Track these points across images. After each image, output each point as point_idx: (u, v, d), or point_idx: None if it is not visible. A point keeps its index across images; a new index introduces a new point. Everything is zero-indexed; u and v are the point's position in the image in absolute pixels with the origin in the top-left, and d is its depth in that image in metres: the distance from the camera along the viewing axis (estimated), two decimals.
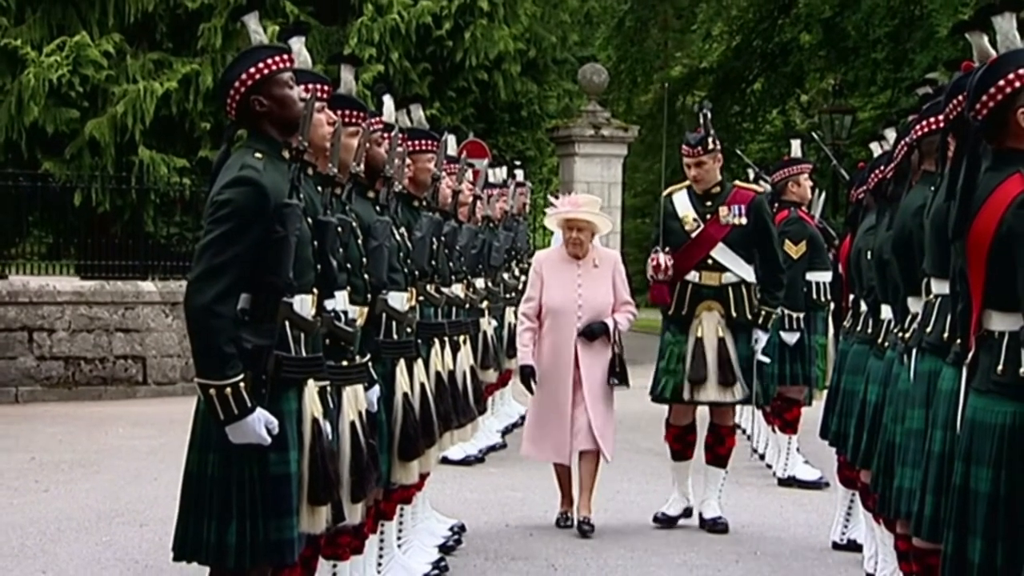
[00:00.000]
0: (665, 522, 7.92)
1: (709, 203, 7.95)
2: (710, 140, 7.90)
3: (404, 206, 6.41)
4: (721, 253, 7.86)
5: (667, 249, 7.82)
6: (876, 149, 7.00)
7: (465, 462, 9.94)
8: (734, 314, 7.85)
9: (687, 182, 8.07)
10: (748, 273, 7.92)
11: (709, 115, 8.03)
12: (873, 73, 22.54)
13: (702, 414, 8.12)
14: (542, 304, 7.88)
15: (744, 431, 10.59)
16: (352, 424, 4.95)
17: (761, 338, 7.97)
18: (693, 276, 7.86)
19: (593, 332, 7.79)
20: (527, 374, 7.88)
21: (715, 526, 7.82)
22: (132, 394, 14.62)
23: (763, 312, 7.97)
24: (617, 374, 7.82)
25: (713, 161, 7.95)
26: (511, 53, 20.69)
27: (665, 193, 8.22)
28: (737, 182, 8.34)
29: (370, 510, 5.70)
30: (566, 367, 7.79)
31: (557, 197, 8.28)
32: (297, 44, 5.03)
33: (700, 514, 7.93)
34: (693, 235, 7.89)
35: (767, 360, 8.24)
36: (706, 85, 26.14)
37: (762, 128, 28.91)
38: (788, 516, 8.47)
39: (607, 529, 7.67)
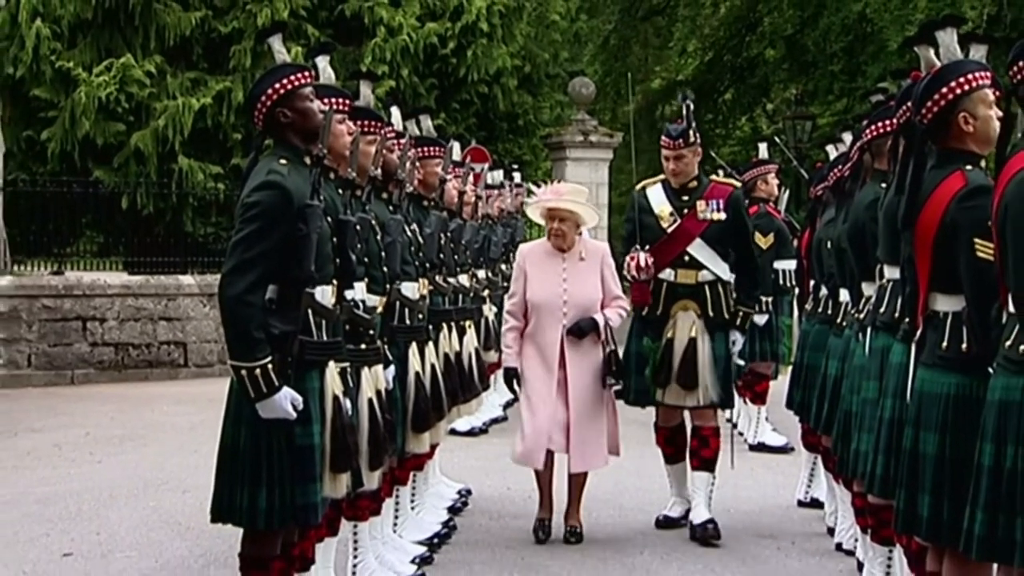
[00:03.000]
0: (667, 524, 6.92)
1: (686, 197, 6.84)
2: (691, 133, 6.81)
3: (415, 205, 6.40)
4: (698, 249, 6.77)
5: (647, 247, 6.73)
6: (833, 151, 7.01)
7: (471, 433, 9.95)
8: (711, 313, 6.75)
9: (660, 176, 6.98)
10: (724, 271, 6.84)
11: (692, 107, 6.94)
12: (830, 83, 22.50)
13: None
14: (526, 300, 6.65)
15: None
16: (370, 401, 4.95)
17: (738, 340, 6.87)
18: (668, 274, 6.76)
19: (581, 330, 6.55)
20: (510, 376, 6.69)
21: (706, 531, 6.70)
22: (174, 376, 14.62)
23: (741, 312, 6.86)
24: (614, 373, 6.64)
25: (693, 155, 6.84)
26: (508, 69, 20.71)
27: (638, 187, 7.08)
28: (714, 177, 7.16)
29: (386, 476, 5.70)
30: (551, 367, 6.55)
31: (539, 187, 7.13)
32: (322, 62, 5.03)
33: (690, 520, 6.83)
34: (669, 230, 6.77)
35: (742, 363, 7.42)
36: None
37: (732, 133, 28.86)
38: (758, 477, 8.47)
39: (597, 491, 7.63)
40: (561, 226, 6.62)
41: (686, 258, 6.76)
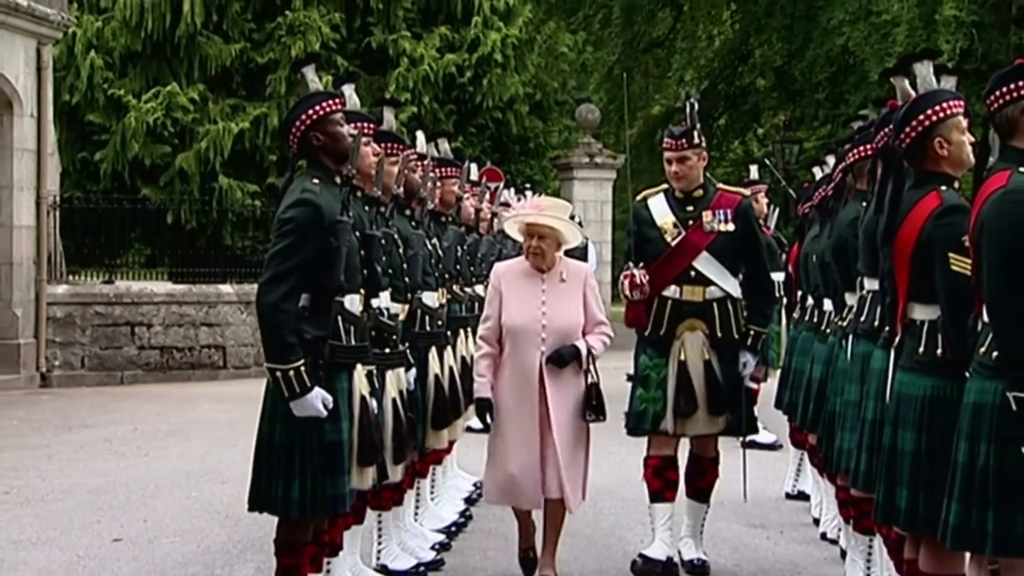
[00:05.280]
0: (644, 563, 5.74)
1: (691, 208, 5.74)
2: (696, 134, 5.72)
3: (434, 221, 6.41)
4: (705, 264, 5.66)
5: (641, 264, 5.68)
6: (818, 172, 6.99)
7: (485, 430, 9.90)
8: (719, 333, 5.65)
9: (663, 186, 5.88)
10: (734, 287, 5.73)
11: (696, 106, 5.83)
12: (816, 110, 22.48)
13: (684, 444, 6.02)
14: (501, 325, 5.44)
15: None
16: (394, 400, 4.95)
17: (750, 362, 5.74)
18: (673, 291, 5.66)
19: (562, 358, 5.34)
20: (483, 408, 5.46)
21: (694, 568, 5.77)
22: (214, 377, 14.64)
23: (752, 332, 5.73)
24: (594, 407, 5.40)
25: (698, 158, 5.74)
26: (521, 96, 20.78)
27: (639, 198, 5.97)
28: (721, 185, 6.08)
29: (408, 470, 5.69)
30: (530, 399, 5.35)
31: (519, 200, 6.10)
32: (348, 90, 5.05)
33: (679, 553, 5.86)
34: (673, 243, 5.68)
35: (755, 386, 6.45)
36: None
37: (726, 156, 28.81)
38: (749, 472, 8.41)
39: (603, 484, 7.59)
40: (540, 243, 5.42)
41: (692, 273, 5.68)
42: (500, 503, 5.61)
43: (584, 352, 5.40)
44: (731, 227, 5.71)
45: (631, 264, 5.70)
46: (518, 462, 5.36)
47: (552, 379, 5.37)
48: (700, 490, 5.89)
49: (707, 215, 5.72)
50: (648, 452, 5.85)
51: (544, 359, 5.37)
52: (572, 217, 6.28)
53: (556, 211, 5.57)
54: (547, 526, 5.51)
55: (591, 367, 5.43)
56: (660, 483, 5.80)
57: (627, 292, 5.67)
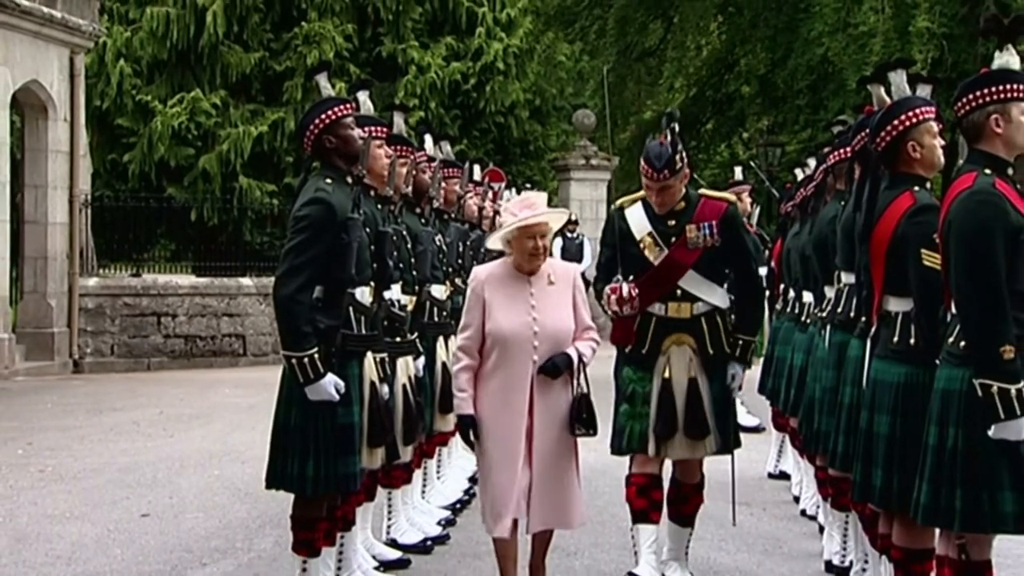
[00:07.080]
0: None
1: (673, 222, 4.90)
2: (678, 159, 4.84)
3: (437, 218, 6.41)
4: (691, 282, 4.88)
5: (631, 277, 4.89)
6: (799, 173, 6.99)
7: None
8: (710, 349, 4.89)
9: (641, 193, 5.00)
10: (721, 298, 4.97)
11: (677, 128, 4.94)
12: (797, 116, 22.43)
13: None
14: (485, 333, 4.49)
15: None
16: (404, 386, 4.96)
17: (738, 373, 4.96)
18: (657, 309, 4.89)
19: (556, 368, 4.44)
20: (467, 426, 4.50)
21: None
22: (235, 364, 14.65)
23: (740, 342, 4.95)
24: (584, 420, 4.52)
25: (680, 183, 4.90)
26: (521, 102, 20.78)
27: (616, 206, 5.17)
28: (703, 191, 5.15)
29: (416, 451, 5.70)
30: (517, 413, 4.44)
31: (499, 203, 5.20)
32: (363, 96, 5.06)
33: None
34: (656, 263, 4.87)
35: (741, 402, 5.67)
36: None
37: (713, 158, 28.78)
38: (735, 453, 8.42)
39: (597, 464, 7.60)
40: (543, 242, 4.55)
41: (678, 292, 4.90)
42: (493, 534, 4.56)
43: (576, 361, 4.53)
44: (716, 240, 4.91)
45: (619, 277, 4.92)
46: (501, 483, 4.45)
47: (541, 391, 4.47)
48: (683, 515, 5.13)
49: (691, 230, 4.90)
50: (631, 470, 5.06)
51: (536, 369, 4.47)
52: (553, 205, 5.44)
53: (543, 201, 4.69)
54: (536, 547, 4.66)
55: (583, 376, 4.57)
56: (645, 502, 5.01)
57: (615, 307, 4.88)
